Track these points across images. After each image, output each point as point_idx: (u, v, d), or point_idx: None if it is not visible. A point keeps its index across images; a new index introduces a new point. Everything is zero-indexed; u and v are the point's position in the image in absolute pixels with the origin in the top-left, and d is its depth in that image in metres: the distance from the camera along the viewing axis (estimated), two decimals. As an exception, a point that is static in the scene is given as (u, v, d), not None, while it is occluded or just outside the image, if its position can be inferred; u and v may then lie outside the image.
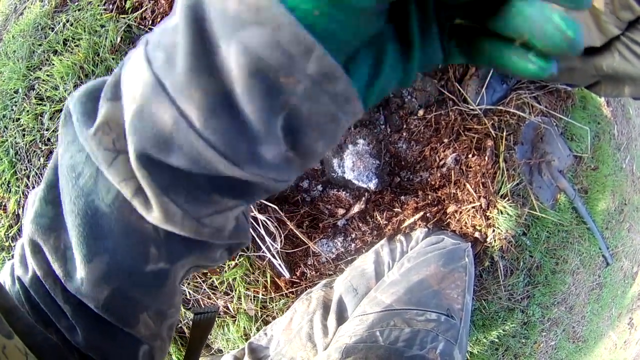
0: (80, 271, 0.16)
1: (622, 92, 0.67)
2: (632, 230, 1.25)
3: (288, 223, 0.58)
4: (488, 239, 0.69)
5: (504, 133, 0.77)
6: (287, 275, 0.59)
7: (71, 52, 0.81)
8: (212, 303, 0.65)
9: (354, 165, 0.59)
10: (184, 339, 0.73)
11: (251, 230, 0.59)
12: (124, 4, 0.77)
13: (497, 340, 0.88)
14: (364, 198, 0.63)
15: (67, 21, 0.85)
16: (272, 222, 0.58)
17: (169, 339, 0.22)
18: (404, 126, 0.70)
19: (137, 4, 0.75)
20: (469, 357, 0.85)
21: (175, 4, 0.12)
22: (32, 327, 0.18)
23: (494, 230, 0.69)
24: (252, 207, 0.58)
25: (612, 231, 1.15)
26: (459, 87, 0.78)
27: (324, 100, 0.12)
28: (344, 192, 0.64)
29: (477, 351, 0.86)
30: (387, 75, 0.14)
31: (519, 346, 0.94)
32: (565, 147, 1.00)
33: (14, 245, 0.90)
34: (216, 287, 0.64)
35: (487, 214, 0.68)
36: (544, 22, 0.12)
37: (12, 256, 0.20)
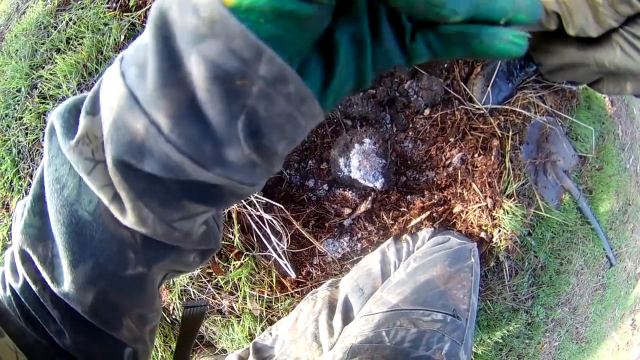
0: (68, 277, 0.17)
1: (624, 89, 0.66)
2: (635, 231, 1.24)
3: (294, 222, 0.58)
4: (494, 239, 0.69)
5: (510, 132, 0.77)
6: (292, 275, 0.59)
7: (74, 51, 0.81)
8: (217, 303, 0.65)
9: (360, 165, 0.59)
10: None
11: (257, 230, 0.59)
12: (127, 2, 0.76)
13: (501, 340, 0.88)
14: (370, 197, 0.63)
15: (70, 20, 0.84)
16: (278, 221, 0.57)
17: (151, 342, 0.23)
18: (410, 125, 0.70)
19: (140, 2, 0.75)
20: (473, 358, 0.85)
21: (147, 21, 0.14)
22: (22, 330, 0.19)
23: (499, 231, 0.69)
24: (258, 206, 0.58)
25: (616, 232, 1.15)
26: (464, 86, 0.78)
27: (279, 101, 0.13)
28: (350, 192, 0.63)
29: (482, 352, 0.86)
30: (341, 76, 0.15)
31: (522, 347, 0.94)
32: (570, 147, 1.00)
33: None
34: (221, 287, 0.64)
35: (493, 214, 0.67)
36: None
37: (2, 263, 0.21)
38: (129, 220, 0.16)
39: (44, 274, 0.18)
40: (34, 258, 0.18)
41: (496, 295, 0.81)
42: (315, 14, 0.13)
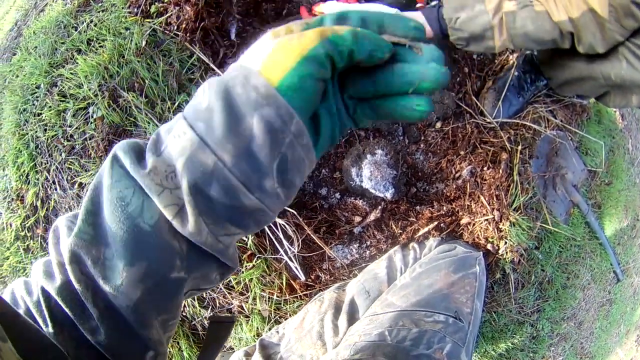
0: (122, 274, 0.22)
1: (630, 102, 0.69)
2: (644, 247, 1.26)
3: (306, 228, 0.61)
4: (500, 251, 0.71)
5: (520, 146, 0.80)
6: (302, 278, 0.62)
7: (95, 53, 0.84)
8: (227, 302, 0.68)
9: (371, 175, 0.62)
10: (196, 336, 0.76)
11: (270, 234, 0.62)
12: (148, 8, 0.80)
13: (505, 353, 0.90)
14: (380, 207, 0.66)
15: (91, 21, 0.88)
16: (290, 226, 0.61)
17: (166, 352, 0.28)
18: (422, 138, 0.73)
19: (162, 9, 0.78)
20: (476, 368, 0.87)
21: (204, 90, 0.21)
22: (37, 334, 0.22)
23: (506, 243, 0.71)
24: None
25: (624, 247, 1.17)
26: (476, 100, 0.81)
27: (298, 149, 0.21)
28: (361, 201, 0.67)
29: (485, 363, 0.88)
30: (324, 137, 0.24)
31: (526, 360, 0.96)
32: (579, 162, 1.03)
33: (30, 236, 0.94)
34: (232, 286, 0.67)
35: (500, 226, 0.70)
36: (428, 69, 0.22)
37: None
38: (188, 230, 0.22)
39: (95, 272, 0.22)
40: (87, 259, 0.22)
41: (501, 307, 0.84)
42: (320, 90, 0.21)
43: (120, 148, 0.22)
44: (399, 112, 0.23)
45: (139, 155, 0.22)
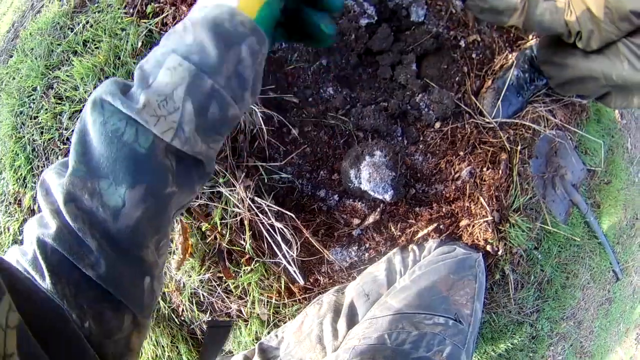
0: (125, 196, 0.24)
1: (631, 103, 0.68)
2: (643, 245, 1.25)
3: (304, 231, 0.60)
4: (499, 252, 0.71)
5: (519, 146, 0.79)
6: (301, 281, 0.61)
7: (91, 54, 0.83)
8: (225, 306, 0.67)
9: (370, 177, 0.61)
10: (195, 340, 0.76)
11: (268, 237, 0.61)
12: (144, 8, 0.78)
13: (505, 353, 0.89)
14: (379, 209, 0.65)
15: (87, 22, 0.87)
16: (288, 229, 0.60)
17: (161, 280, 0.30)
18: (421, 138, 0.72)
19: (158, 9, 0.77)
20: (476, 369, 0.87)
21: (186, 28, 0.26)
22: (33, 292, 0.22)
23: (505, 244, 0.71)
24: (269, 214, 0.60)
25: (623, 246, 1.16)
26: (475, 100, 0.80)
27: (263, 63, 0.29)
28: (359, 203, 0.66)
29: (484, 363, 0.88)
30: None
31: (526, 360, 0.95)
32: (579, 161, 1.02)
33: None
34: (231, 290, 0.66)
35: (500, 227, 0.69)
36: None
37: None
38: (187, 145, 0.26)
39: (93, 204, 0.24)
40: (84, 193, 0.24)
41: (501, 308, 0.83)
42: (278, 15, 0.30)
43: (105, 92, 0.25)
44: (313, 30, 0.30)
45: (124, 93, 0.25)
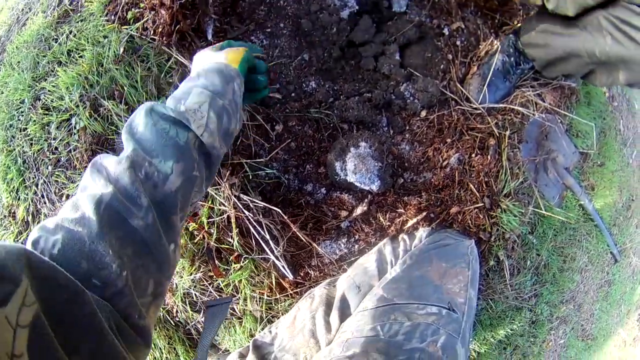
0: (172, 167, 0.35)
1: (617, 79, 0.66)
2: (640, 226, 1.23)
3: (292, 226, 0.59)
4: (492, 238, 0.69)
5: (508, 131, 0.77)
6: (290, 276, 0.60)
7: (75, 63, 0.82)
8: (218, 306, 0.66)
9: (356, 168, 0.60)
10: (192, 340, 0.74)
11: (255, 234, 0.60)
12: (125, 14, 0.78)
13: (505, 339, 0.87)
14: (366, 200, 0.63)
15: (70, 32, 0.86)
16: (275, 225, 0.59)
17: (178, 253, 0.37)
18: (407, 127, 0.71)
19: (138, 14, 0.76)
20: (475, 357, 0.85)
21: (201, 73, 0.45)
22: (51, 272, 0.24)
23: (498, 230, 0.69)
24: (255, 211, 0.59)
25: (620, 228, 1.14)
26: (461, 87, 0.78)
27: (242, 97, 0.47)
28: (347, 195, 0.64)
29: (485, 350, 0.86)
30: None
31: (527, 345, 0.93)
32: (570, 144, 1.00)
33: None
34: (222, 289, 0.65)
35: (491, 213, 0.68)
36: (264, 77, 0.56)
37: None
38: (210, 140, 0.39)
39: (151, 169, 0.34)
40: (145, 162, 0.34)
41: (498, 294, 0.81)
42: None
43: (155, 104, 0.38)
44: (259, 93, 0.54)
45: (164, 106, 0.38)
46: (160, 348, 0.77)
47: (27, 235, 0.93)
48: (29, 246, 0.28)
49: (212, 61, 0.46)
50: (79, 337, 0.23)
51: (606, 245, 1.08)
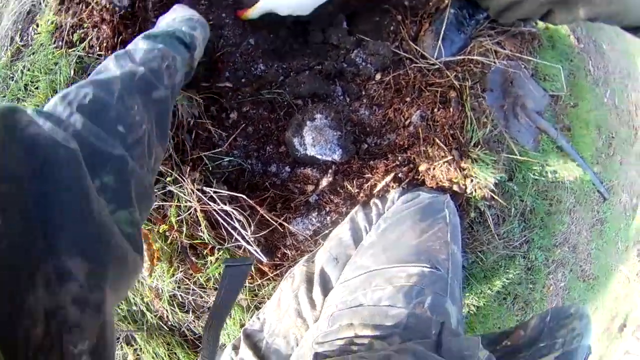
0: (182, 63, 0.45)
1: (577, 16, 0.62)
2: (624, 162, 1.19)
3: (258, 209, 0.56)
4: (468, 190, 0.65)
5: (469, 82, 0.73)
6: (264, 259, 0.57)
7: (33, 96, 0.80)
8: (205, 301, 0.63)
9: (314, 141, 0.57)
10: (188, 342, 0.72)
11: (224, 223, 0.57)
12: (71, 38, 0.76)
13: (503, 290, 0.84)
14: (330, 170, 0.60)
15: (24, 67, 0.84)
16: (242, 210, 0.56)
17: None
18: (363, 93, 0.67)
19: (83, 34, 0.74)
20: (475, 311, 0.82)
21: (189, 19, 0.54)
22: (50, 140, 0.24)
23: (472, 181, 0.65)
24: (219, 201, 0.56)
25: (604, 166, 1.10)
26: (414, 45, 0.74)
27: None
28: (310, 169, 0.61)
29: (484, 303, 0.82)
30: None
31: (527, 292, 0.90)
32: (538, 88, 0.96)
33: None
34: (203, 284, 0.62)
35: (462, 165, 0.64)
36: None
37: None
38: (198, 55, 0.52)
39: (172, 62, 0.42)
40: (169, 56, 0.42)
41: (485, 246, 0.78)
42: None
43: (178, 31, 0.48)
44: None
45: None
46: (161, 356, 0.75)
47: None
48: (56, 99, 0.28)
49: (194, 15, 0.54)
50: (58, 212, 0.19)
51: (592, 184, 1.04)
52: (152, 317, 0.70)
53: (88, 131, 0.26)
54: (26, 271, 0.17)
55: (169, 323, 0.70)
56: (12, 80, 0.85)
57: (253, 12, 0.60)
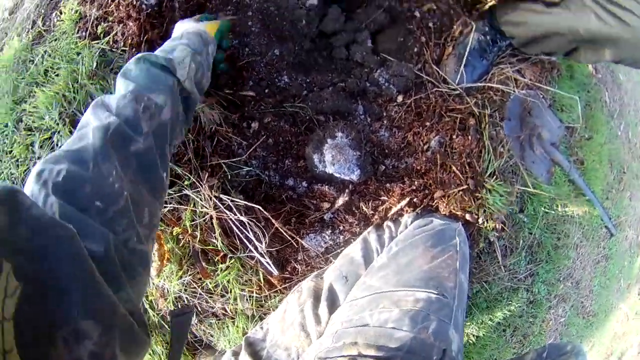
0: (164, 102, 0.41)
1: (603, 57, 0.64)
2: (633, 198, 1.21)
3: (274, 222, 0.57)
4: (480, 220, 0.67)
5: (488, 110, 0.75)
6: (275, 272, 0.58)
7: (52, 82, 0.82)
8: (210, 306, 0.65)
9: (334, 159, 0.59)
10: (188, 344, 0.73)
11: (238, 233, 0.59)
12: (95, 30, 0.78)
13: (503, 321, 0.86)
14: (347, 190, 0.62)
15: (45, 52, 0.86)
16: (258, 222, 0.57)
17: (167, 184, 0.42)
18: (384, 114, 0.69)
19: (107, 28, 0.76)
20: (474, 341, 0.83)
21: (183, 35, 0.52)
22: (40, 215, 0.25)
23: (485, 211, 0.67)
24: (236, 210, 0.58)
25: (613, 201, 1.12)
26: (437, 68, 0.76)
27: (214, 55, 0.56)
28: (328, 187, 0.63)
29: (483, 334, 0.84)
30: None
31: (527, 325, 0.92)
32: (555, 119, 0.98)
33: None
34: (210, 290, 0.64)
35: (476, 194, 0.66)
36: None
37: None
38: (190, 85, 0.46)
39: (149, 102, 0.39)
40: (144, 97, 0.39)
41: (492, 276, 0.79)
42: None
43: (147, 54, 0.43)
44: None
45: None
46: (159, 354, 0.76)
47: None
48: (32, 178, 0.29)
49: (194, 27, 0.54)
50: (68, 283, 0.23)
51: (600, 219, 1.06)
52: (154, 315, 0.72)
53: (64, 215, 0.26)
54: (47, 331, 0.20)
55: (171, 323, 0.71)
56: (32, 63, 0.87)
57: None
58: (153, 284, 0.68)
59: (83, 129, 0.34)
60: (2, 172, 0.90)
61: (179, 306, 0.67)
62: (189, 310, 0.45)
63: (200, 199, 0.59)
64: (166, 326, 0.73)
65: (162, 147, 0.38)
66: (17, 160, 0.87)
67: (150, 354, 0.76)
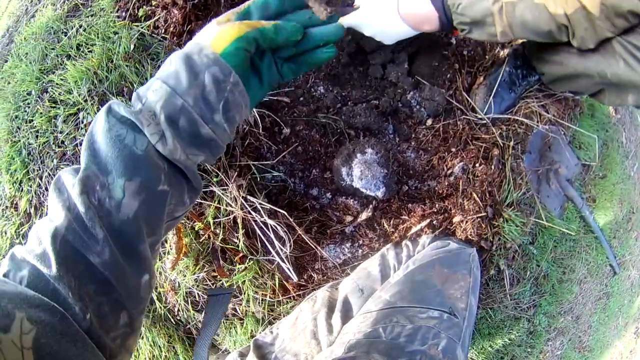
0: (124, 188, 0.29)
1: (625, 101, 0.68)
2: (639, 239, 1.25)
3: (297, 228, 0.60)
4: (494, 248, 0.71)
5: (512, 142, 0.79)
6: (295, 278, 0.61)
7: (85, 58, 0.84)
8: (221, 306, 0.67)
9: (362, 174, 0.62)
10: (191, 339, 0.76)
11: (261, 235, 0.62)
12: (136, 12, 0.79)
13: (502, 349, 0.89)
14: (371, 206, 0.65)
15: (80, 26, 0.87)
16: (281, 227, 0.60)
17: (155, 277, 0.34)
18: (413, 135, 0.73)
19: (149, 12, 0.77)
20: (473, 365, 0.87)
21: (170, 60, 0.32)
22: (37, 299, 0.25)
23: (499, 239, 0.71)
24: (262, 212, 0.61)
25: (620, 240, 1.16)
26: (467, 96, 0.80)
27: (236, 94, 0.32)
28: (352, 200, 0.66)
29: (482, 359, 0.88)
30: (265, 83, 0.35)
31: (524, 355, 0.95)
32: (573, 156, 1.02)
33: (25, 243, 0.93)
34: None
35: (493, 222, 0.70)
36: (329, 30, 0.36)
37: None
38: (168, 149, 0.31)
39: (102, 195, 0.29)
40: (96, 185, 0.29)
41: (497, 304, 0.83)
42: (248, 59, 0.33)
43: (113, 103, 0.31)
44: (315, 58, 0.36)
45: (126, 107, 0.31)
46: (159, 346, 0.79)
47: (29, 227, 0.94)
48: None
49: (190, 44, 0.33)
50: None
51: (605, 257, 1.10)
52: (161, 308, 0.74)
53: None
54: None
55: (178, 317, 0.74)
56: (65, 35, 0.89)
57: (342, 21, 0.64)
58: (165, 276, 0.71)
59: (42, 224, 0.29)
60: (20, 141, 0.91)
61: (189, 302, 0.69)
62: (228, 291, 0.46)
63: (227, 197, 0.61)
64: (172, 320, 0.76)
65: (130, 250, 0.29)
66: (36, 131, 0.89)
67: (151, 346, 0.78)
